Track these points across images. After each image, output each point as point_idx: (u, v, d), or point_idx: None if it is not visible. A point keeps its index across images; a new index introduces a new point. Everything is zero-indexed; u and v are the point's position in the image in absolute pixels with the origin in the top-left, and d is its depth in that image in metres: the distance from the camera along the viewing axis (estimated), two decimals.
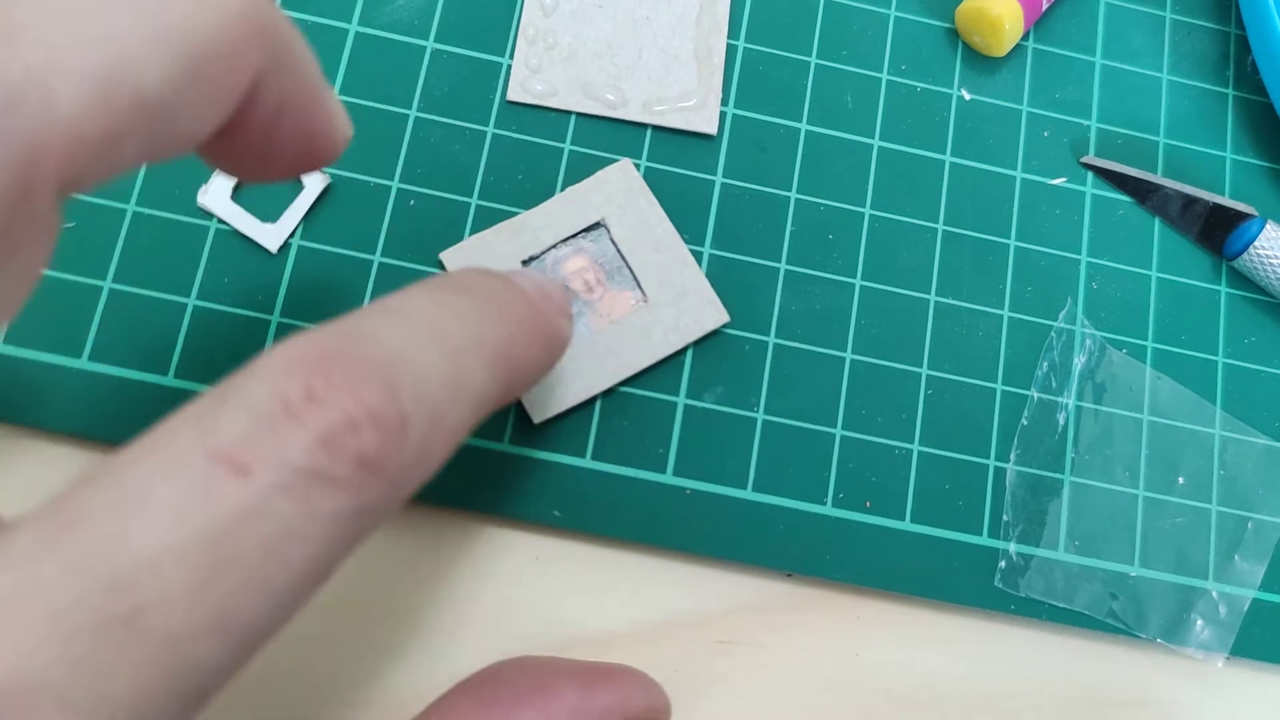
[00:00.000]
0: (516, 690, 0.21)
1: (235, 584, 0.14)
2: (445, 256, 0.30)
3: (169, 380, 0.28)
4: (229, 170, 0.21)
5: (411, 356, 0.17)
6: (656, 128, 0.32)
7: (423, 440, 0.17)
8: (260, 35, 0.17)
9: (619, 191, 0.31)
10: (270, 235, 0.30)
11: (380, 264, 0.30)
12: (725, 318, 0.30)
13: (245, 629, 0.15)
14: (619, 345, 0.29)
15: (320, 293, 0.30)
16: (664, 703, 0.24)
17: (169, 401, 0.28)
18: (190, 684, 0.14)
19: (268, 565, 0.15)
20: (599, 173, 0.31)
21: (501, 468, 0.29)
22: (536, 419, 0.29)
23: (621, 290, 0.30)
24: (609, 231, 0.30)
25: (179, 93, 0.16)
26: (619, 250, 0.30)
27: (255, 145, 0.20)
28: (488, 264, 0.29)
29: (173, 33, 0.16)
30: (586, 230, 0.30)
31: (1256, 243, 0.32)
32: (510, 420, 0.29)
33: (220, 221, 0.30)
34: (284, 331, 0.29)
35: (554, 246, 0.30)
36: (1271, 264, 0.32)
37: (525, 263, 0.30)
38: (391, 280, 0.30)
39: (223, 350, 0.29)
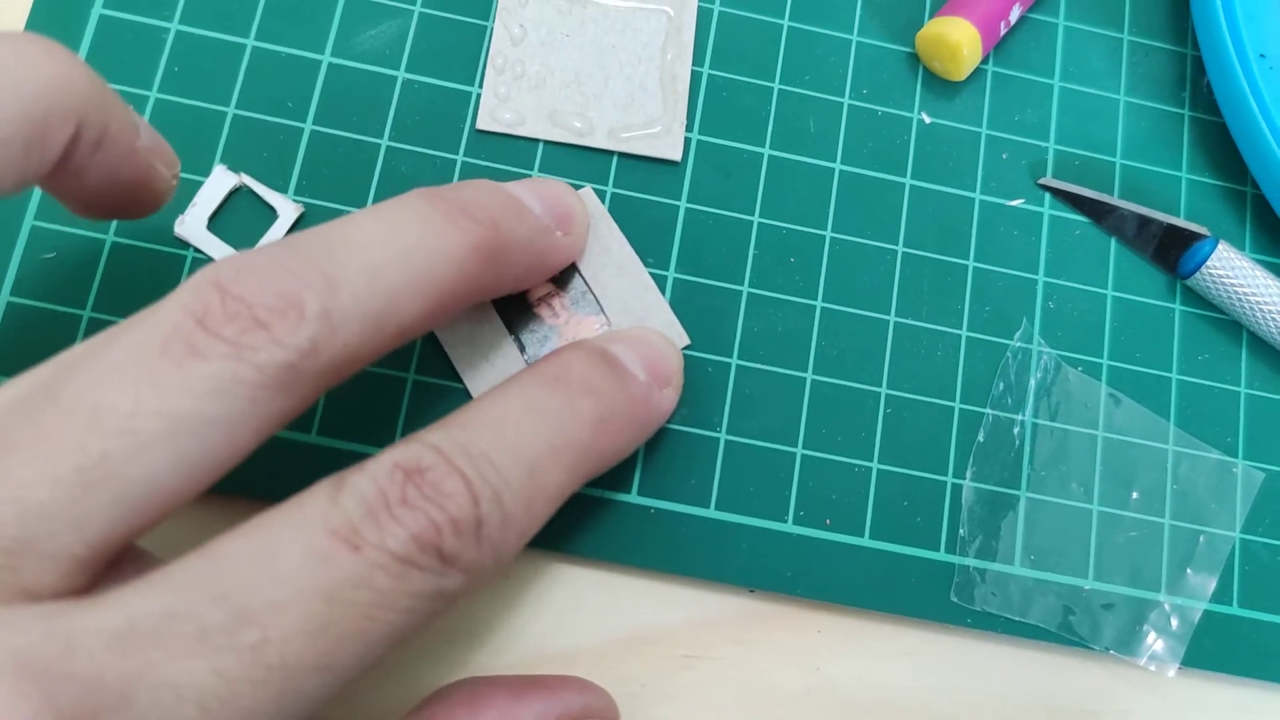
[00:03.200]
0: (448, 705, 0.23)
1: (339, 632, 0.18)
2: None
3: None
4: (66, 206, 0.24)
5: (494, 467, 0.21)
6: (623, 154, 0.33)
7: (496, 540, 0.20)
8: (67, 113, 0.21)
9: None
10: None
11: None
12: (685, 341, 0.31)
13: (339, 670, 0.18)
14: None
15: None
16: (603, 703, 0.25)
17: None
18: (290, 711, 0.18)
19: (364, 623, 0.18)
20: None
21: None
22: None
23: (586, 315, 0.30)
24: None
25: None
26: (583, 276, 0.31)
27: (76, 190, 0.23)
28: None
29: None
30: None
31: (1209, 262, 0.33)
32: None
33: (197, 250, 0.30)
34: None
35: None
36: (1224, 283, 0.33)
37: None
38: None
39: None
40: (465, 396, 0.30)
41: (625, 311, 0.31)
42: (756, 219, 0.33)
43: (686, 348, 0.31)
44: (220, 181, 0.31)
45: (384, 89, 0.32)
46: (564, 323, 0.30)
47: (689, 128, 0.33)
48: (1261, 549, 0.32)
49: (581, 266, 0.31)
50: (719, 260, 0.32)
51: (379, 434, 0.30)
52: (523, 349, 0.30)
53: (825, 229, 0.33)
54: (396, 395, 0.30)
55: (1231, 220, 0.35)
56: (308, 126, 0.32)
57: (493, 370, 0.30)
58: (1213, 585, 0.32)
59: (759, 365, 0.32)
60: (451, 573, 0.20)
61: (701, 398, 0.31)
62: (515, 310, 0.30)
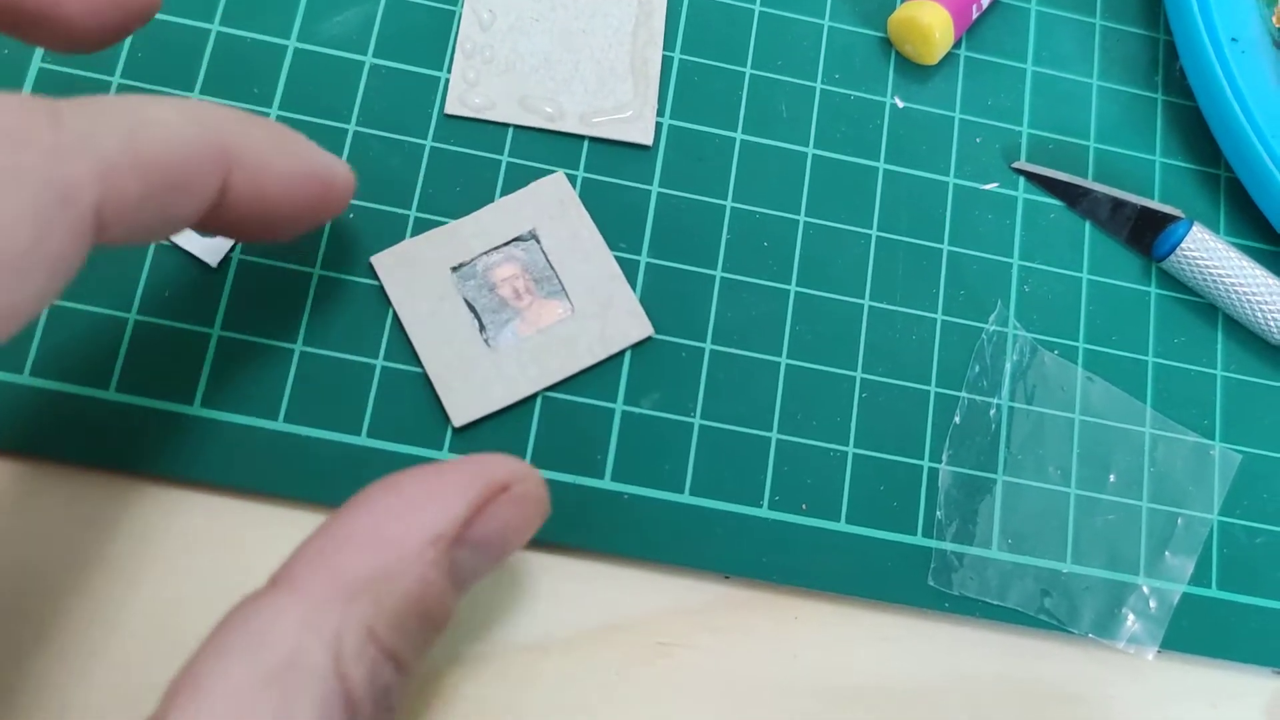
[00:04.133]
0: (366, 492, 0.22)
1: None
2: (376, 260, 0.30)
3: (110, 395, 0.28)
4: (243, 239, 0.27)
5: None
6: (593, 139, 0.32)
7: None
8: (218, 151, 0.21)
9: (551, 203, 0.31)
10: (210, 250, 0.30)
11: (320, 276, 0.30)
12: (649, 330, 0.30)
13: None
14: (543, 353, 0.30)
15: (261, 306, 0.30)
16: (527, 471, 0.24)
17: (111, 415, 0.28)
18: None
19: None
20: (532, 184, 0.31)
21: None
22: (457, 423, 0.29)
23: (550, 299, 0.30)
24: (539, 242, 0.31)
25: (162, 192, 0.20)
26: (549, 260, 0.30)
27: (245, 220, 0.23)
28: (418, 269, 0.30)
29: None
30: (518, 239, 0.31)
31: (1184, 244, 0.33)
32: (446, 427, 0.30)
33: (171, 243, 0.30)
34: (225, 345, 0.29)
35: (485, 254, 0.30)
36: (1199, 265, 0.33)
37: (455, 269, 0.30)
38: (331, 294, 0.30)
39: (164, 364, 0.29)
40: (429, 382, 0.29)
41: (590, 298, 0.30)
42: (729, 203, 0.33)
43: (661, 332, 0.31)
44: None
45: (351, 74, 0.32)
46: (527, 306, 0.30)
47: (660, 112, 0.33)
48: (1240, 531, 0.32)
49: (548, 250, 0.31)
50: (692, 245, 0.32)
51: (347, 421, 0.29)
52: (482, 328, 0.30)
53: (799, 213, 0.33)
54: (365, 382, 0.30)
55: (1206, 203, 0.35)
56: (274, 112, 0.31)
57: (450, 350, 0.29)
58: (1191, 567, 0.32)
59: (733, 350, 0.31)
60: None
61: (675, 383, 0.31)
62: (478, 291, 0.30)
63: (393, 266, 0.30)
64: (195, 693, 0.18)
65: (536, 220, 0.31)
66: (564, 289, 0.30)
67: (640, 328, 0.30)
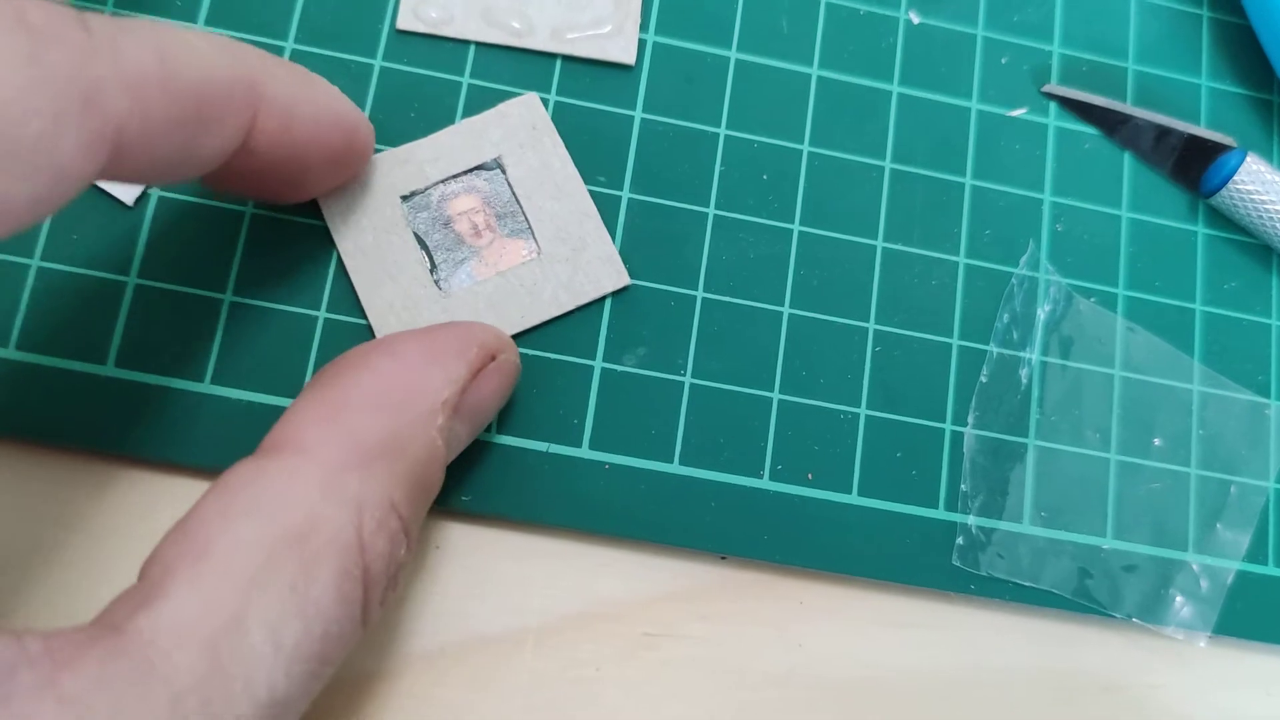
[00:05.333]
0: (361, 348, 0.23)
1: None
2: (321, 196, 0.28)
3: (9, 353, 0.26)
4: (260, 195, 0.26)
5: None
6: (567, 58, 0.30)
7: None
8: (248, 86, 0.21)
9: (521, 128, 0.28)
10: (125, 185, 0.27)
11: (253, 215, 0.27)
12: (625, 280, 0.28)
13: None
14: (502, 300, 0.27)
15: (184, 249, 0.27)
16: (507, 339, 0.25)
17: (12, 375, 0.26)
18: None
19: None
20: (500, 105, 0.29)
21: None
22: None
23: (513, 238, 0.28)
24: (505, 172, 0.28)
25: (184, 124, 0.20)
26: (514, 193, 0.28)
27: (269, 168, 0.23)
28: (364, 198, 0.28)
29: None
30: (481, 168, 0.28)
31: (1236, 177, 0.31)
32: None
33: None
34: (142, 295, 0.27)
35: (441, 182, 0.28)
36: (1253, 200, 0.31)
37: (406, 198, 0.28)
38: (267, 234, 0.27)
39: (72, 317, 0.26)
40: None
41: (559, 238, 0.28)
42: (723, 131, 0.30)
43: (631, 285, 0.29)
44: None
45: None
46: (486, 244, 0.28)
47: (644, 27, 0.30)
48: None
49: (514, 182, 0.28)
50: (680, 178, 0.30)
51: (284, 383, 0.27)
52: (433, 267, 0.27)
53: (802, 143, 0.30)
54: (306, 337, 0.27)
55: (1258, 131, 0.33)
56: (199, 26, 0.28)
57: (395, 289, 0.27)
58: (1246, 542, 0.30)
59: (728, 298, 0.29)
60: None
61: (662, 336, 0.28)
62: (431, 225, 0.28)
63: (335, 194, 0.27)
64: (202, 558, 0.18)
65: (503, 147, 0.28)
66: (530, 227, 0.28)
67: (615, 276, 0.28)
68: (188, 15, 0.28)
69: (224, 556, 0.18)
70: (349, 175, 0.26)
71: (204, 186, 0.24)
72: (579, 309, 0.28)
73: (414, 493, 0.21)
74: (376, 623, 0.20)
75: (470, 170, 0.28)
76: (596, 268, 0.28)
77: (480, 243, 0.28)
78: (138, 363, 0.26)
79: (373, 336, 0.27)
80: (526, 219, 0.28)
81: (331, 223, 0.27)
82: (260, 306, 0.27)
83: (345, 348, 0.26)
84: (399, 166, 0.28)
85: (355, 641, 0.20)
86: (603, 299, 0.28)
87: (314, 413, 0.21)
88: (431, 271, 0.27)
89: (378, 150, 0.28)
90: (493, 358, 0.24)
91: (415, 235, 0.27)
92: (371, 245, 0.27)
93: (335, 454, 0.20)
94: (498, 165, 0.28)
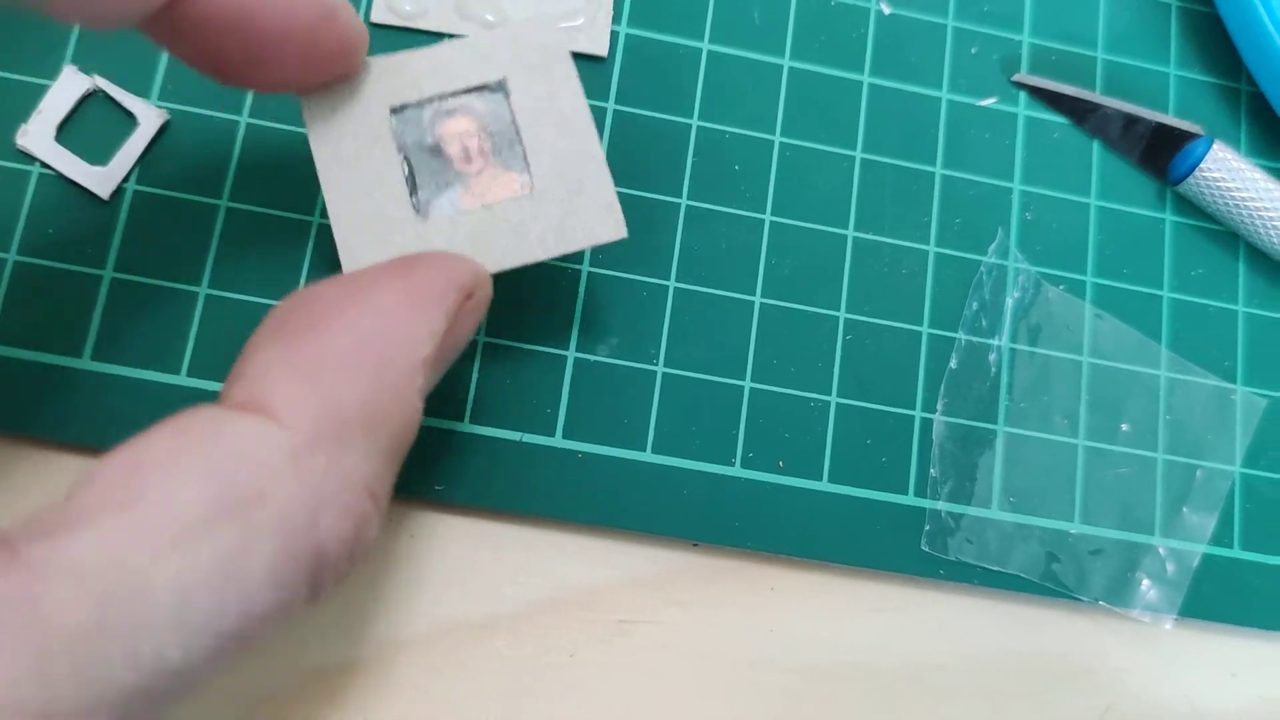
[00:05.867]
0: (334, 277, 0.21)
1: None
2: (305, 98, 0.24)
3: None
4: (224, 77, 0.22)
5: None
6: None
7: None
8: None
9: (532, 50, 0.25)
10: (101, 180, 0.27)
11: (228, 209, 0.27)
12: (622, 232, 0.25)
13: None
14: (484, 235, 0.24)
15: (159, 243, 0.27)
16: (482, 273, 0.23)
17: None
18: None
19: None
20: (512, 24, 0.26)
21: None
22: None
23: (506, 170, 0.25)
24: (508, 96, 0.25)
25: None
26: (515, 121, 0.25)
27: (213, 28, 0.20)
28: (350, 103, 0.24)
29: None
30: (483, 88, 0.25)
31: (1203, 165, 0.31)
32: None
33: (43, 165, 0.27)
34: (117, 288, 0.26)
35: (437, 99, 0.25)
36: (1220, 187, 0.31)
37: (396, 110, 0.25)
38: (241, 228, 0.27)
39: (48, 311, 0.26)
40: None
41: (557, 177, 0.25)
42: (695, 122, 0.30)
43: (626, 239, 0.26)
44: (70, 85, 0.27)
45: None
46: (476, 172, 0.25)
47: (616, 19, 0.30)
48: (1265, 484, 0.30)
49: (517, 109, 0.25)
50: (653, 169, 0.29)
51: None
52: (414, 189, 0.24)
53: (773, 133, 0.30)
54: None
55: (1225, 120, 0.33)
56: None
57: (368, 205, 0.24)
58: (1212, 526, 0.30)
59: (700, 287, 0.29)
60: None
61: (635, 324, 0.28)
62: (419, 143, 0.25)
63: (321, 103, 0.24)
64: (129, 503, 0.16)
65: (509, 69, 0.25)
66: (526, 160, 0.25)
67: (612, 227, 0.25)
68: None
69: (154, 506, 0.16)
70: (329, 71, 0.23)
71: (158, 44, 0.21)
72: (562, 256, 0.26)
73: (390, 466, 0.20)
74: (328, 598, 0.19)
75: (470, 90, 0.25)
76: (592, 214, 0.25)
77: (469, 169, 0.25)
78: (114, 356, 0.26)
79: (337, 255, 0.24)
80: (524, 151, 0.25)
81: (311, 126, 0.24)
82: (236, 299, 0.27)
83: None
84: (391, 75, 0.25)
85: (289, 619, 0.18)
86: (582, 253, 0.28)
87: (284, 366, 0.19)
88: (412, 194, 0.24)
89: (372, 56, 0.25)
90: (469, 296, 0.21)
91: (400, 150, 0.24)
92: (350, 155, 0.24)
93: (308, 423, 0.18)
94: (502, 88, 0.25)
